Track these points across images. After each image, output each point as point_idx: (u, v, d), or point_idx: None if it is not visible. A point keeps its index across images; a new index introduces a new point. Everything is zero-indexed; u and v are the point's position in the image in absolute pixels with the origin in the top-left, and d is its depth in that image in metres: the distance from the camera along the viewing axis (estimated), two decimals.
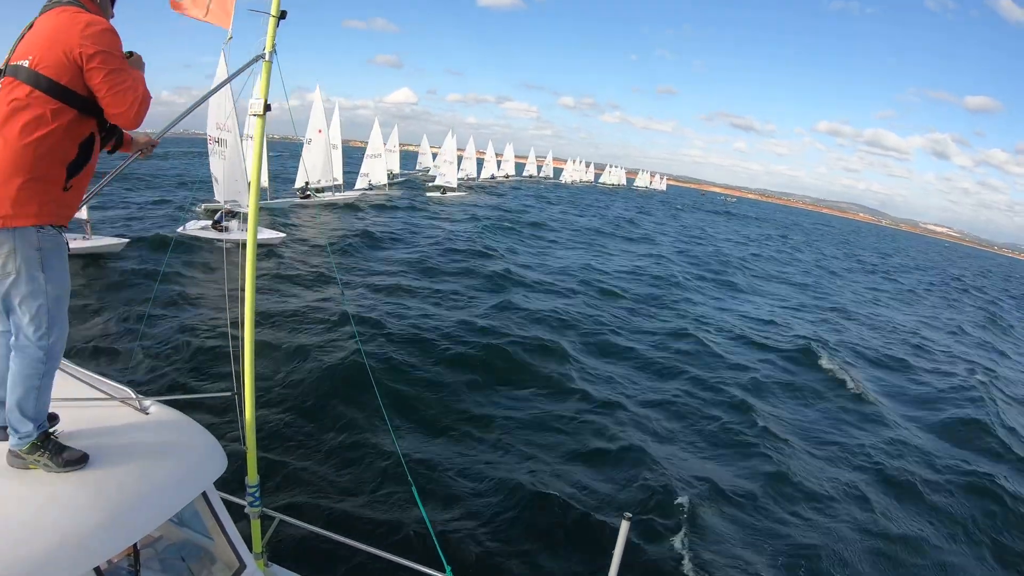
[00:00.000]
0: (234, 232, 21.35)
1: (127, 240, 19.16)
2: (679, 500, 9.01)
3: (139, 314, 14.82)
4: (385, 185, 48.80)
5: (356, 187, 45.40)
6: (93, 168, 2.72)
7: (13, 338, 2.63)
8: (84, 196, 2.85)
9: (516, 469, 9.48)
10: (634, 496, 9.07)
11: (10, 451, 2.65)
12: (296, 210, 32.38)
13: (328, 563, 6.52)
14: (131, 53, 2.72)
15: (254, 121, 3.82)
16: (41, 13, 2.54)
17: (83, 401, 3.26)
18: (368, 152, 47.19)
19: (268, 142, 16.49)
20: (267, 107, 3.77)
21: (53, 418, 2.96)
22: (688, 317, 20.97)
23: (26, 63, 2.39)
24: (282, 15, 3.69)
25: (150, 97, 2.62)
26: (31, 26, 2.53)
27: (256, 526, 4.28)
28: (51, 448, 2.63)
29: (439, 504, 8.23)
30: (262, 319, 16.84)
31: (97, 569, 2.57)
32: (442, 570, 3.85)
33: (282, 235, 22.66)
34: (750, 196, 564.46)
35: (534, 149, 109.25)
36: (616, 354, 16.34)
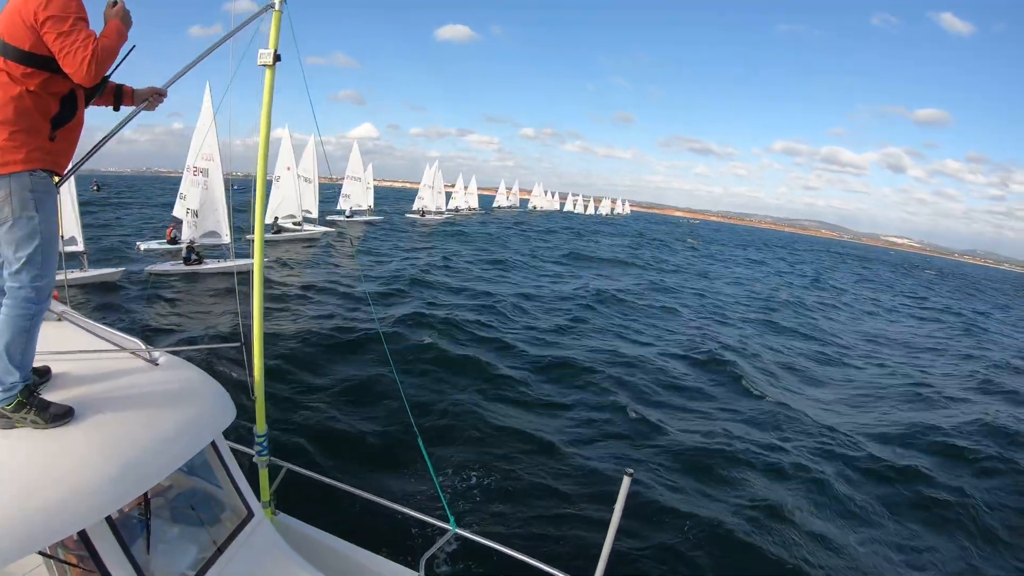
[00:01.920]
0: (210, 264, 21.57)
1: (123, 269, 19.70)
2: (686, 457, 9.11)
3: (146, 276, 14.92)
4: (367, 210, 49.86)
5: (338, 207, 46.43)
6: (80, 120, 2.88)
7: (7, 286, 2.69)
8: (77, 148, 2.95)
9: (522, 425, 9.59)
10: (638, 454, 9.17)
11: None
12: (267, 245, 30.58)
13: (334, 512, 6.63)
14: (115, 3, 2.85)
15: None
16: None
17: (93, 352, 3.28)
18: (347, 173, 48.14)
19: (232, 178, 16.68)
20: (277, 57, 3.68)
21: (45, 372, 2.98)
22: None
23: None
24: None
25: (111, 51, 2.70)
26: None
27: (264, 475, 4.35)
28: (36, 404, 2.64)
29: (445, 457, 8.36)
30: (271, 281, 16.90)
31: (109, 518, 2.62)
32: (446, 521, 3.91)
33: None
34: (713, 218, 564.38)
35: (504, 181, 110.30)
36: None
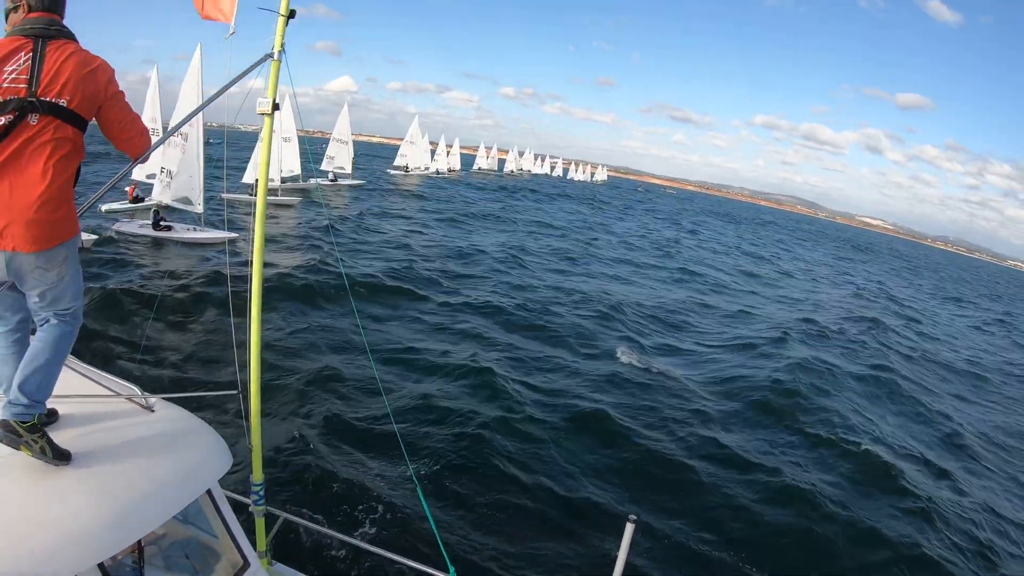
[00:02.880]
0: (179, 232, 21.36)
1: (236, 235, 20.57)
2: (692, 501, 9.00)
3: (143, 316, 14.87)
4: (349, 174, 49.01)
5: (322, 167, 45.87)
6: None
7: (52, 320, 2.86)
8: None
9: (521, 470, 9.47)
10: (640, 496, 9.06)
11: (5, 424, 2.60)
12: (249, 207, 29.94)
13: (332, 562, 6.52)
14: None
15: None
16: (16, 33, 2.65)
17: (88, 398, 3.27)
18: (333, 135, 47.89)
19: (208, 129, 16.78)
20: (276, 106, 3.76)
21: (52, 414, 2.98)
22: None
23: (64, 103, 2.63)
24: (291, 14, 3.70)
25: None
26: (42, 56, 2.62)
27: (260, 524, 4.28)
28: (47, 437, 2.63)
29: (443, 504, 8.23)
30: (266, 319, 16.87)
31: (101, 565, 2.57)
32: (445, 570, 3.84)
33: (233, 235, 21.83)
34: (689, 188, 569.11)
35: (483, 143, 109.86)
36: None
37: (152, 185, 24.41)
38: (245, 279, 4.16)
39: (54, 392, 2.97)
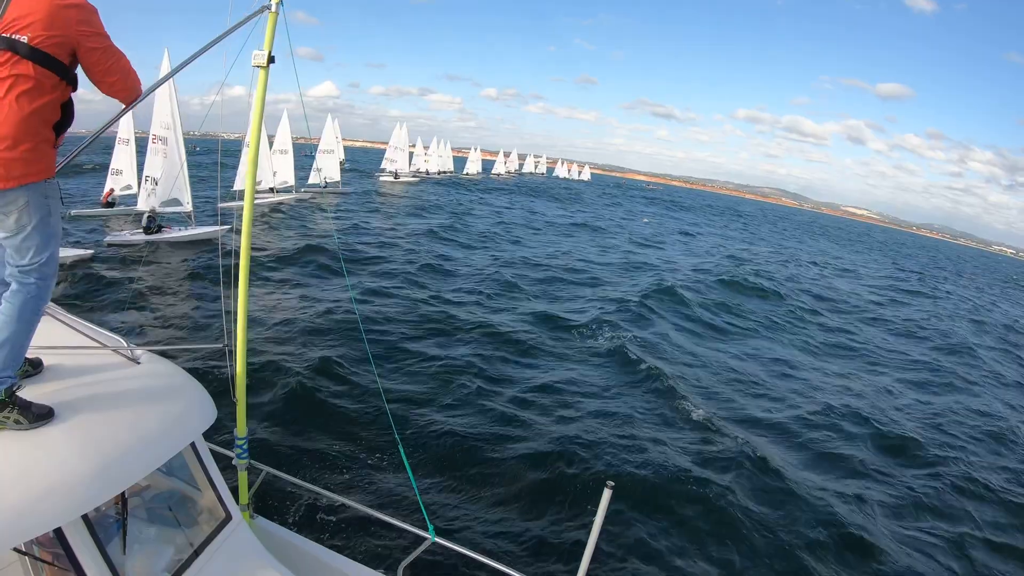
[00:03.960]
0: (173, 232, 21.36)
1: (228, 227, 20.57)
2: (673, 467, 9.13)
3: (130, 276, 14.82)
4: (338, 183, 48.96)
5: (310, 182, 45.32)
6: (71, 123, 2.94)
7: (15, 284, 2.73)
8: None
9: (503, 433, 9.57)
10: (620, 463, 9.18)
11: None
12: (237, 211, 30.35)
13: (313, 517, 6.60)
14: None
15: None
16: None
17: (74, 349, 3.25)
18: (321, 147, 47.98)
19: (189, 139, 17.06)
20: (271, 59, 3.68)
21: (37, 364, 2.98)
22: None
23: (25, 39, 2.55)
24: None
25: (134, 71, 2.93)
26: None
27: (243, 478, 4.31)
28: (20, 403, 2.61)
29: (425, 465, 8.33)
30: (254, 276, 16.92)
31: (85, 516, 2.59)
32: (425, 529, 3.90)
33: (225, 228, 21.97)
34: (675, 183, 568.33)
35: (474, 147, 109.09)
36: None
37: (129, 196, 24.25)
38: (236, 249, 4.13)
39: (39, 343, 2.96)
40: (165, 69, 21.75)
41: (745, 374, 14.98)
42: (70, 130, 2.85)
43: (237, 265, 3.93)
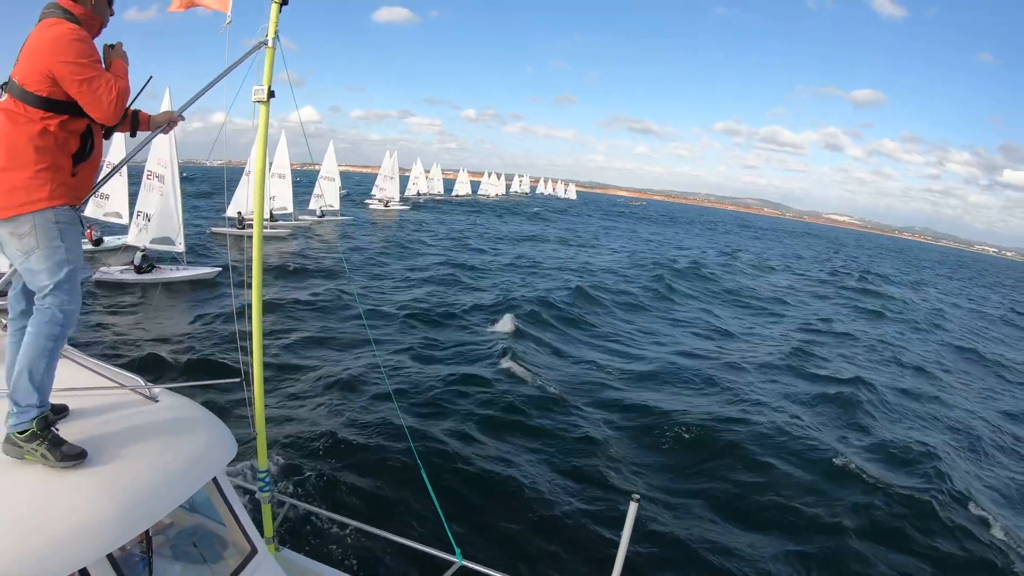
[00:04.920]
0: (165, 272, 21.44)
1: (220, 268, 21.38)
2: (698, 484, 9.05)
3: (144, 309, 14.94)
4: (337, 211, 49.18)
5: (310, 207, 46.08)
6: (99, 154, 3.02)
7: (34, 310, 2.78)
8: (99, 177, 3.19)
9: (524, 453, 9.52)
10: (646, 478, 9.10)
11: (7, 438, 2.63)
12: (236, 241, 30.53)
13: (338, 547, 6.58)
14: (113, 45, 3.03)
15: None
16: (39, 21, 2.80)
17: (92, 390, 3.28)
18: (322, 174, 47.94)
19: (183, 166, 17.24)
20: (271, 94, 3.75)
21: (61, 410, 2.97)
22: None
23: (17, 79, 2.72)
24: (284, 1, 3.69)
25: (127, 90, 2.90)
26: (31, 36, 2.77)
27: (267, 511, 4.31)
28: (50, 439, 2.62)
29: (449, 488, 8.28)
30: (269, 310, 17.04)
31: (110, 556, 2.59)
32: (452, 552, 3.87)
33: (217, 269, 22.59)
34: (657, 198, 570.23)
35: (463, 168, 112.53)
36: None
37: (112, 224, 24.43)
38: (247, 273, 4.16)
39: (60, 385, 2.97)
40: (166, 106, 21.68)
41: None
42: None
43: (247, 297, 3.96)
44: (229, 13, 3.77)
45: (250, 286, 4.08)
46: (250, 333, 4.03)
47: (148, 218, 21.80)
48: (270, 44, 3.69)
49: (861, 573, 7.63)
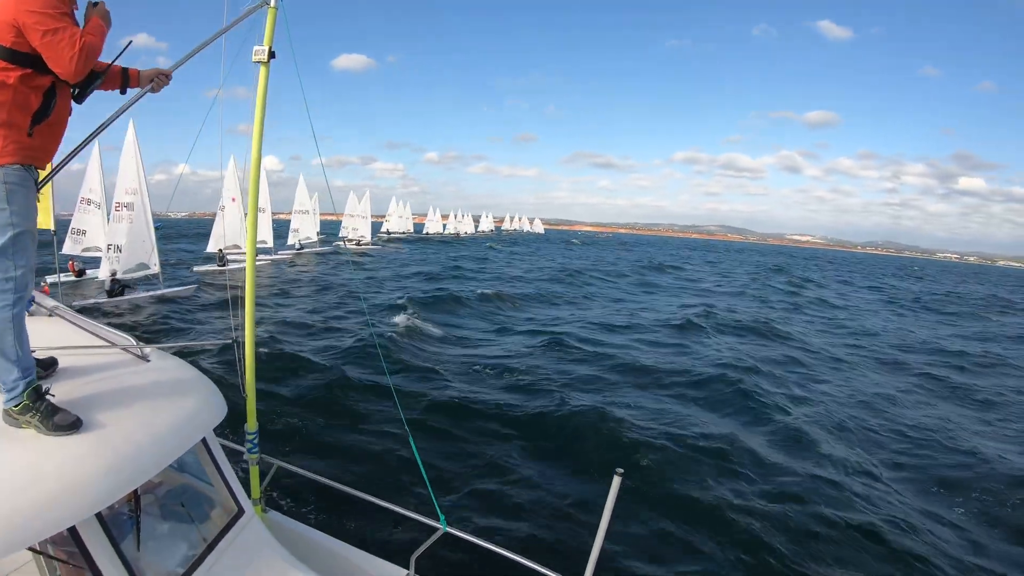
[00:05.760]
0: (139, 293, 21.57)
1: (195, 286, 21.96)
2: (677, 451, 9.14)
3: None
4: (315, 243, 49.29)
5: (288, 242, 46.42)
6: (63, 116, 2.88)
7: None
8: (59, 140, 2.92)
9: (513, 422, 9.60)
10: (626, 452, 9.20)
11: (5, 412, 2.64)
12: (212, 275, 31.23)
13: (325, 510, 6.66)
14: (96, 3, 2.85)
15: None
16: None
17: (84, 349, 3.27)
18: (295, 208, 48.13)
19: (158, 219, 17.60)
20: (272, 54, 3.68)
21: (50, 364, 2.98)
22: None
23: None
24: None
25: (95, 48, 2.73)
26: None
27: (254, 472, 4.35)
28: (43, 410, 2.62)
29: (435, 455, 8.36)
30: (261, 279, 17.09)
31: (99, 515, 2.61)
32: (436, 519, 3.91)
33: (193, 286, 23.02)
34: (622, 231, 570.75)
35: (432, 207, 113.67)
36: None
37: (97, 258, 24.00)
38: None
39: (52, 343, 2.97)
40: (131, 141, 21.79)
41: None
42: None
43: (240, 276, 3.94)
44: None
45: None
46: (243, 296, 4.02)
47: (119, 249, 21.75)
48: (272, 3, 3.62)
49: None
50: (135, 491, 2.88)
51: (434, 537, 3.96)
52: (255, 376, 4.12)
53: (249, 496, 3.95)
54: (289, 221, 49.58)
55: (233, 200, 34.41)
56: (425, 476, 4.47)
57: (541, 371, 12.41)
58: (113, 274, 21.29)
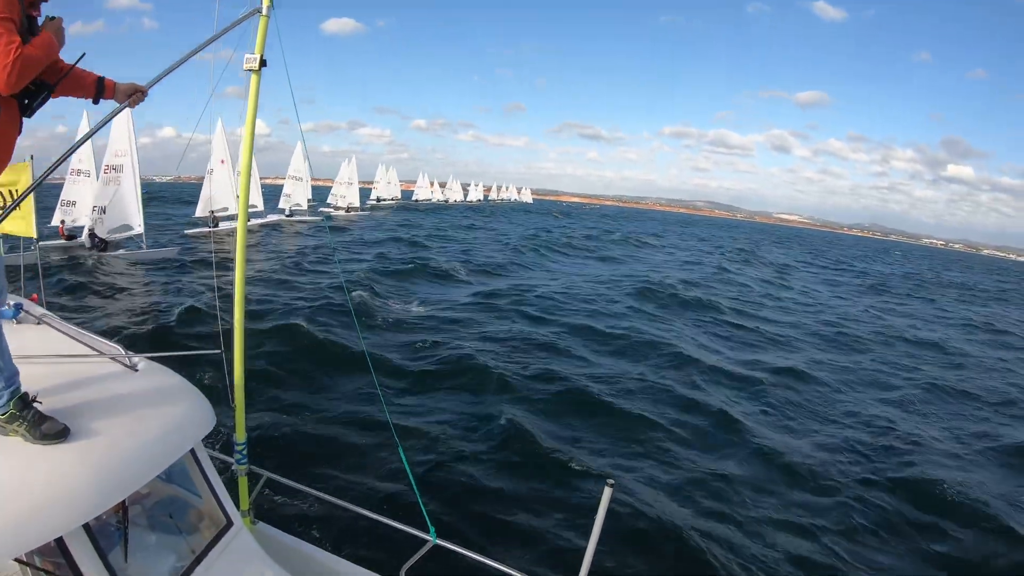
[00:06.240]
0: (120, 251, 22.13)
1: (179, 247, 22.53)
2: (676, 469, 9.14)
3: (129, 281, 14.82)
4: (306, 210, 49.21)
5: (279, 206, 46.34)
6: (6, 128, 2.69)
7: None
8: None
9: (502, 434, 9.56)
10: (619, 461, 9.18)
11: None
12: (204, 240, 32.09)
13: (314, 522, 6.60)
14: (53, 18, 2.69)
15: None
16: None
17: (72, 357, 3.24)
18: (289, 173, 48.04)
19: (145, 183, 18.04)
20: (263, 62, 3.68)
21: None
22: None
23: None
24: None
25: (34, 61, 2.54)
26: None
27: (243, 484, 4.31)
28: (31, 419, 2.59)
29: (426, 467, 8.31)
30: (250, 282, 17.04)
31: (86, 525, 2.58)
32: (426, 531, 3.89)
33: (176, 248, 23.57)
34: (608, 203, 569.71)
35: (422, 173, 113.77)
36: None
37: (77, 228, 24.35)
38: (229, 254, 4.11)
39: (40, 352, 2.94)
40: (83, 130, 21.46)
41: None
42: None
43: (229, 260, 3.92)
44: None
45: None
46: (234, 302, 4.00)
47: (103, 210, 22.07)
48: (264, 11, 3.62)
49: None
50: (123, 502, 2.85)
51: (424, 549, 3.94)
52: (244, 386, 4.10)
53: (238, 508, 3.91)
54: (276, 186, 49.36)
55: (222, 163, 34.52)
56: (415, 487, 4.45)
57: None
58: (90, 230, 21.79)
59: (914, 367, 18.52)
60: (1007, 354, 22.99)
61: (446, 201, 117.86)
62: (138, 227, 22.58)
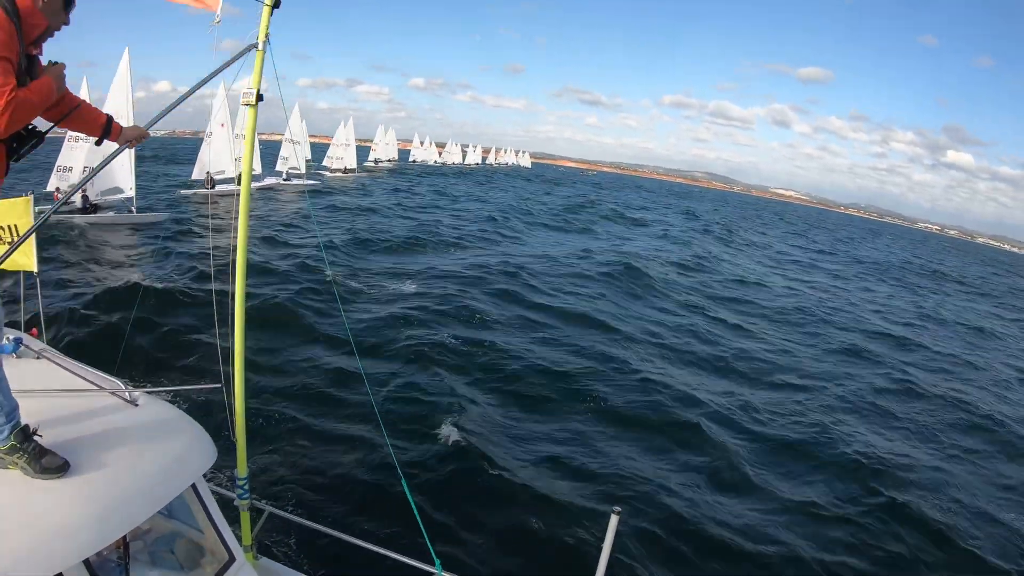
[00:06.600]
0: (109, 214, 22.56)
1: (169, 215, 22.81)
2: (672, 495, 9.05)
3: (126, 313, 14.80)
4: (303, 175, 48.83)
5: (276, 168, 46.20)
6: None
7: None
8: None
9: (506, 463, 9.48)
10: (627, 490, 9.09)
11: None
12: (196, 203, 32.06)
13: (317, 556, 6.51)
14: (55, 63, 2.68)
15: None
16: None
17: (72, 392, 3.24)
18: (286, 136, 47.91)
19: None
20: (259, 97, 3.73)
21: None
22: None
23: None
24: (276, 3, 3.64)
25: (29, 106, 2.49)
26: None
27: (245, 519, 4.27)
28: (31, 451, 2.58)
29: (429, 499, 8.22)
30: (250, 312, 17.06)
31: (86, 561, 2.55)
32: (431, 564, 3.85)
33: (166, 215, 23.72)
34: (606, 169, 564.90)
35: (417, 134, 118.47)
36: None
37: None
38: (227, 275, 4.11)
39: (39, 387, 2.94)
40: (124, 68, 22.58)
41: None
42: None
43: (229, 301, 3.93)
44: (219, 12, 3.71)
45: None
46: (233, 337, 4.00)
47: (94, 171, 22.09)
48: (260, 47, 3.68)
49: None
50: (124, 537, 2.82)
51: None
52: (245, 422, 4.08)
53: (240, 543, 3.87)
54: (273, 144, 48.75)
55: (222, 126, 34.44)
56: (419, 519, 4.40)
57: None
58: (84, 192, 22.01)
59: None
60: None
61: (443, 164, 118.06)
62: (129, 190, 22.75)
